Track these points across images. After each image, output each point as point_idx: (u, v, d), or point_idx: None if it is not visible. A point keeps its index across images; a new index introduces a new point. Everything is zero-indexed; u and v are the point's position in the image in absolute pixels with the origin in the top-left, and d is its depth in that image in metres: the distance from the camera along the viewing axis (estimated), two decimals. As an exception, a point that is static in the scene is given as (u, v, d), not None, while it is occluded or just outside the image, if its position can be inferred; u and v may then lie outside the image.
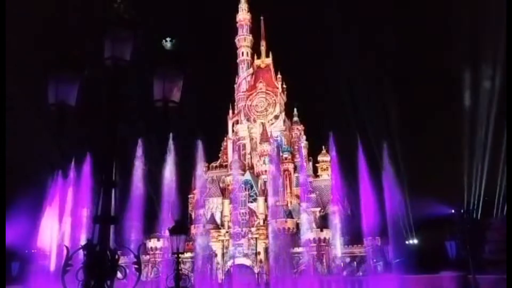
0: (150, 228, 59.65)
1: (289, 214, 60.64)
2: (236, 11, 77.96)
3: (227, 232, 60.95)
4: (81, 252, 5.48)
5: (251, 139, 71.03)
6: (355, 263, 57.71)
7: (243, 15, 77.42)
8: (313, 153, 72.06)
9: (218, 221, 62.87)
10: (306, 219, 61.60)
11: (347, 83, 64.69)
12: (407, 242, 56.75)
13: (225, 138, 73.99)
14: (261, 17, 77.97)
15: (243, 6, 78.03)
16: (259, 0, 76.83)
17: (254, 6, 77.54)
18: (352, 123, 62.34)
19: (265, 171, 64.25)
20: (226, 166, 69.75)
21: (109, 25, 5.85)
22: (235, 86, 76.17)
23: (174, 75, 5.72)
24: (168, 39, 6.14)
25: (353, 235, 57.73)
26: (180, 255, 12.25)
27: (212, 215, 63.25)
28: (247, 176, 65.60)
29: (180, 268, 12.46)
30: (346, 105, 63.85)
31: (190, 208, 67.65)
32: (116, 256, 5.45)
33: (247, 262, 59.71)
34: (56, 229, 52.06)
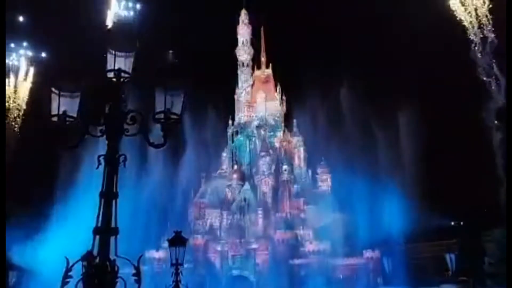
0: (149, 238, 59.43)
1: (289, 225, 60.47)
2: (236, 22, 78.50)
3: (226, 243, 60.67)
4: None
5: (251, 150, 71.09)
6: (354, 275, 57.43)
7: (244, 27, 77.92)
8: (312, 164, 71.99)
9: (217, 232, 62.65)
10: (305, 230, 61.41)
11: (347, 93, 64.82)
12: (406, 254, 56.49)
13: (224, 149, 74.02)
14: (261, 29, 78.52)
15: (243, 18, 78.57)
16: (260, 11, 77.25)
17: (254, 17, 78.08)
18: (352, 131, 62.25)
19: (265, 181, 64.19)
20: (225, 177, 69.67)
21: (111, 37, 5.92)
22: (235, 97, 76.42)
23: (176, 88, 5.78)
24: (169, 51, 6.21)
25: (352, 247, 57.59)
26: (179, 266, 12.21)
27: (211, 226, 63.05)
28: (247, 186, 65.51)
29: (178, 279, 12.42)
30: (345, 116, 63.82)
31: (189, 219, 67.39)
32: (116, 268, 5.45)
33: (246, 273, 59.40)
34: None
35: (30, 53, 51.10)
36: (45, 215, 55.33)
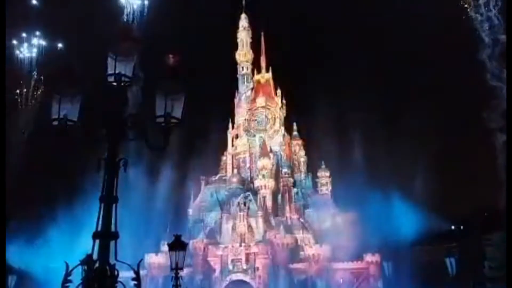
0: (148, 242, 59.33)
1: (289, 230, 60.33)
2: (236, 26, 78.64)
3: (225, 247, 60.50)
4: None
5: (251, 153, 71.03)
6: (355, 279, 57.29)
7: (243, 31, 78.06)
8: (312, 168, 72.03)
9: (217, 236, 62.46)
10: (305, 234, 61.28)
11: (347, 100, 65.00)
12: (407, 258, 56.39)
13: (224, 153, 73.98)
14: (261, 33, 78.62)
15: (243, 22, 78.73)
16: (260, 16, 77.42)
17: (254, 22, 78.23)
18: (352, 139, 62.29)
19: (265, 186, 64.06)
20: (225, 181, 69.57)
21: (112, 41, 5.93)
22: (235, 100, 76.44)
23: (176, 92, 5.78)
24: (169, 55, 6.21)
25: (352, 251, 57.43)
26: (179, 270, 12.16)
27: (211, 230, 62.88)
28: (246, 190, 65.36)
29: (178, 284, 12.38)
30: (345, 121, 63.91)
31: (189, 223, 67.27)
32: (116, 272, 5.44)
33: (246, 278, 59.18)
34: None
35: (43, 43, 50.79)
36: (46, 219, 55.24)
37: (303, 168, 71.89)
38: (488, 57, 46.09)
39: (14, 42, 48.92)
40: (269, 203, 63.32)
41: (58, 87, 5.65)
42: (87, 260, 5.41)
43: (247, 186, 66.18)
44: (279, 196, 65.06)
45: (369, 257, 57.00)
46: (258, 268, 58.42)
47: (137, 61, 5.93)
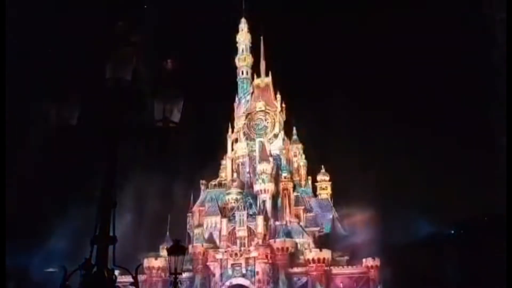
0: (147, 247, 59.27)
1: (288, 234, 60.25)
2: (236, 31, 78.79)
3: (225, 251, 60.44)
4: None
5: (250, 157, 71.03)
6: (355, 284, 57.18)
7: (243, 35, 78.20)
8: (312, 172, 72.08)
9: (216, 240, 62.37)
10: (305, 239, 61.22)
11: (348, 103, 65.10)
12: (406, 262, 56.35)
13: (224, 157, 73.98)
14: (261, 37, 78.75)
15: (243, 26, 78.89)
16: (259, 20, 77.57)
17: (254, 26, 78.38)
18: (352, 142, 62.41)
19: (264, 190, 64.01)
20: (225, 185, 69.56)
21: (110, 45, 5.93)
22: (234, 104, 76.52)
23: (175, 96, 5.79)
24: (168, 60, 6.22)
25: (352, 255, 57.40)
26: (178, 275, 12.12)
27: (211, 234, 62.79)
28: (246, 194, 65.33)
29: (177, 288, 12.33)
30: (345, 125, 64.02)
31: (188, 227, 67.25)
32: (114, 277, 5.42)
33: (246, 282, 59.09)
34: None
35: None
36: (49, 223, 55.20)
37: (302, 172, 71.91)
38: (499, 58, 45.83)
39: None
40: (268, 207, 63.26)
41: (57, 91, 5.66)
42: (85, 265, 5.40)
43: (247, 190, 66.10)
44: (279, 200, 65.00)
45: (369, 262, 56.90)
46: (257, 273, 58.32)
47: (137, 64, 5.93)
